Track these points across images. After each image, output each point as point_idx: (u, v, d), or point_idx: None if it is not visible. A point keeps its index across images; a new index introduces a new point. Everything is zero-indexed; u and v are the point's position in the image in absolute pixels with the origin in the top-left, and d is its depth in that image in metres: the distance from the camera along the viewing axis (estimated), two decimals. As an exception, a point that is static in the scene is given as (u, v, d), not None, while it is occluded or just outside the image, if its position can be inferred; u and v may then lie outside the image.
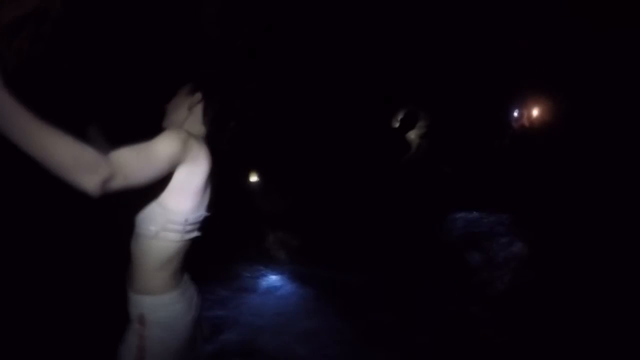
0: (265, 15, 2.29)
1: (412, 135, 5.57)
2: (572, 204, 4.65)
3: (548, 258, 3.79)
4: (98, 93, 1.57)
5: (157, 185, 1.07)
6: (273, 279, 3.65)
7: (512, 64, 5.31)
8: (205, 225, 1.24)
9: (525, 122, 5.96)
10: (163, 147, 1.01)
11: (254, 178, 4.48)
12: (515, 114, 6.00)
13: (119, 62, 1.47)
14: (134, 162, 0.93)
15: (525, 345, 2.51)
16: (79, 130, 1.12)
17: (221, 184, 1.26)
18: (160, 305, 1.17)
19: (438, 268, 3.86)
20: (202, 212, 1.19)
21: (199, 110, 1.24)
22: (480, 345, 2.62)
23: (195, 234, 1.19)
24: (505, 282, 3.57)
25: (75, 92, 1.43)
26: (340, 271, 3.69)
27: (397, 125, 5.37)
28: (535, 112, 5.87)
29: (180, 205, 1.11)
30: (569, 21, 4.76)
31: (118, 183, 0.88)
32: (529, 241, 4.26)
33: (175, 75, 1.35)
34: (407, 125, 5.34)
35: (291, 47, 3.08)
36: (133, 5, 1.37)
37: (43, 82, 1.21)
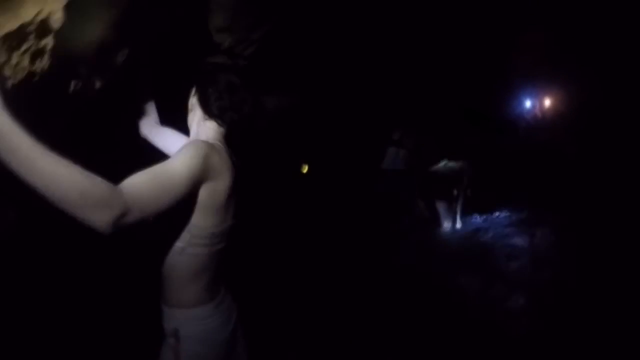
0: (275, 22, 2.21)
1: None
2: (590, 194, 4.55)
3: (567, 252, 3.68)
4: (105, 112, 1.49)
5: (180, 205, 0.99)
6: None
7: (523, 56, 5.22)
8: (234, 233, 1.19)
9: (538, 113, 5.86)
10: (181, 169, 0.93)
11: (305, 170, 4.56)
12: (528, 105, 5.89)
13: (128, 77, 1.37)
14: (151, 191, 0.85)
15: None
16: (85, 155, 1.04)
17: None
18: (194, 318, 1.13)
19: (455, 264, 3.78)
20: (228, 223, 1.14)
21: (198, 108, 1.22)
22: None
23: (223, 244, 1.15)
24: (522, 279, 3.46)
25: (81, 111, 1.34)
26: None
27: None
28: (547, 103, 5.76)
29: (204, 221, 1.07)
30: (578, 10, 4.68)
31: (134, 217, 0.80)
32: (548, 234, 4.14)
33: (186, 84, 1.28)
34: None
35: (300, 54, 3.01)
36: (141, 14, 1.27)
37: (46, 101, 1.10)
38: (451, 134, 5.38)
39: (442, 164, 4.77)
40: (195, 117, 1.22)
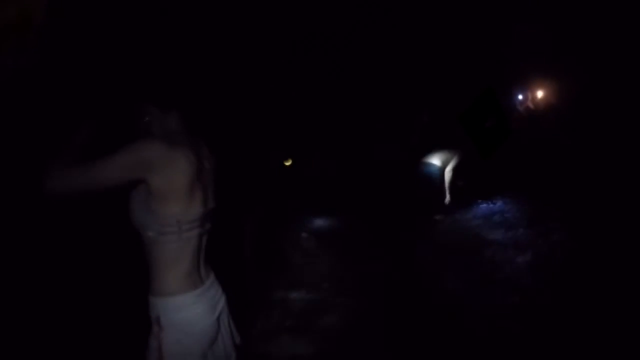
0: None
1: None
2: (585, 187, 4.56)
3: (561, 246, 3.70)
4: (89, 106, 1.50)
5: (143, 193, 1.11)
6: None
7: (514, 47, 5.22)
8: (211, 220, 1.24)
9: (530, 104, 5.88)
10: (113, 159, 1.06)
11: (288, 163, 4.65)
12: (520, 97, 5.91)
13: (111, 72, 1.39)
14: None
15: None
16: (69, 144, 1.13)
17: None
18: (174, 306, 1.15)
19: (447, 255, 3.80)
20: (197, 210, 1.17)
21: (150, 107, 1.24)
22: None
23: (196, 231, 1.17)
24: (514, 266, 3.48)
25: (65, 106, 1.36)
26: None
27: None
28: (539, 94, 5.78)
29: (167, 209, 1.11)
30: (570, 2, 4.68)
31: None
32: (542, 229, 4.16)
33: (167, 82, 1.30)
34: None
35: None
36: (123, 11, 1.29)
37: (31, 97, 1.13)
38: (443, 124, 5.41)
39: (435, 153, 4.78)
40: (153, 118, 1.23)
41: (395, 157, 5.26)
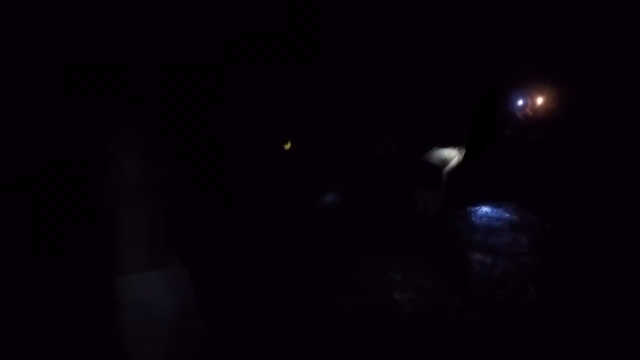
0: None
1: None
2: (582, 194, 4.55)
3: (556, 250, 3.69)
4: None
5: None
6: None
7: (514, 54, 5.20)
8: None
9: (529, 111, 5.85)
10: None
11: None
12: (520, 103, 5.88)
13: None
14: None
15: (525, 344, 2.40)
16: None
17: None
18: (132, 285, 1.13)
19: (442, 262, 3.76)
20: (152, 177, 1.16)
21: None
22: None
23: (152, 204, 1.16)
24: (510, 276, 3.46)
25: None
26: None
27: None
28: (539, 101, 5.76)
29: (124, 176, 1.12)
30: (571, 9, 4.66)
31: None
32: (537, 235, 4.14)
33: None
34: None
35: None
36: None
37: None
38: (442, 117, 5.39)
39: (432, 152, 4.74)
40: None
41: (394, 156, 5.22)
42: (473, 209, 5.10)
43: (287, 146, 4.73)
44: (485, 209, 5.09)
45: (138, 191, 1.12)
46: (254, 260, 3.48)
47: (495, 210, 5.03)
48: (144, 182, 1.13)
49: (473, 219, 4.86)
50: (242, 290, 2.91)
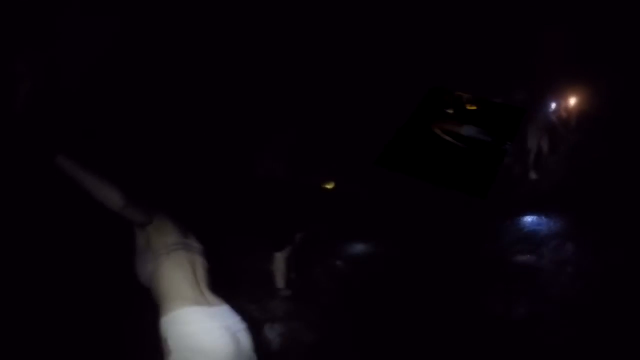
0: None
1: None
2: (623, 199, 4.31)
3: (603, 261, 3.50)
4: None
5: None
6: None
7: (544, 55, 5.06)
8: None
9: (563, 113, 5.64)
10: None
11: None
12: (553, 106, 5.68)
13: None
14: None
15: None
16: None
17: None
18: (180, 320, 1.14)
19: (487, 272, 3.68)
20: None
21: None
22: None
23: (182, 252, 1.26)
24: (556, 285, 3.34)
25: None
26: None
27: None
28: (572, 102, 5.54)
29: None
30: (603, 7, 4.51)
31: None
32: (583, 243, 3.96)
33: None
34: None
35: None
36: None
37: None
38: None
39: None
40: None
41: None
42: (516, 216, 4.92)
43: (330, 186, 4.46)
44: (529, 217, 4.90)
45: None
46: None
47: (538, 216, 4.85)
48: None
49: (517, 226, 4.68)
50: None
